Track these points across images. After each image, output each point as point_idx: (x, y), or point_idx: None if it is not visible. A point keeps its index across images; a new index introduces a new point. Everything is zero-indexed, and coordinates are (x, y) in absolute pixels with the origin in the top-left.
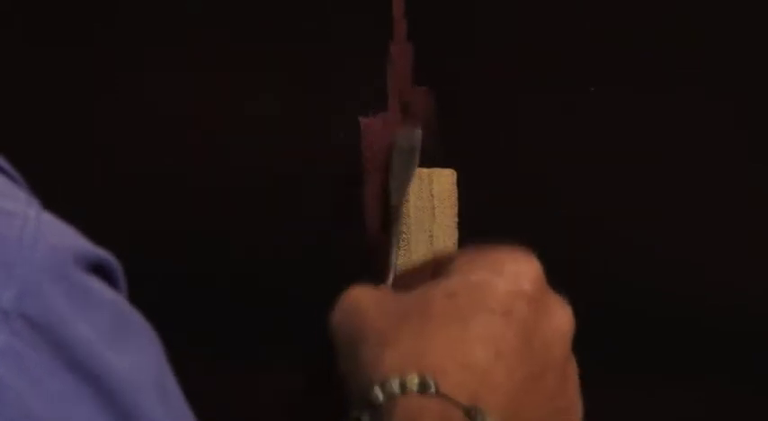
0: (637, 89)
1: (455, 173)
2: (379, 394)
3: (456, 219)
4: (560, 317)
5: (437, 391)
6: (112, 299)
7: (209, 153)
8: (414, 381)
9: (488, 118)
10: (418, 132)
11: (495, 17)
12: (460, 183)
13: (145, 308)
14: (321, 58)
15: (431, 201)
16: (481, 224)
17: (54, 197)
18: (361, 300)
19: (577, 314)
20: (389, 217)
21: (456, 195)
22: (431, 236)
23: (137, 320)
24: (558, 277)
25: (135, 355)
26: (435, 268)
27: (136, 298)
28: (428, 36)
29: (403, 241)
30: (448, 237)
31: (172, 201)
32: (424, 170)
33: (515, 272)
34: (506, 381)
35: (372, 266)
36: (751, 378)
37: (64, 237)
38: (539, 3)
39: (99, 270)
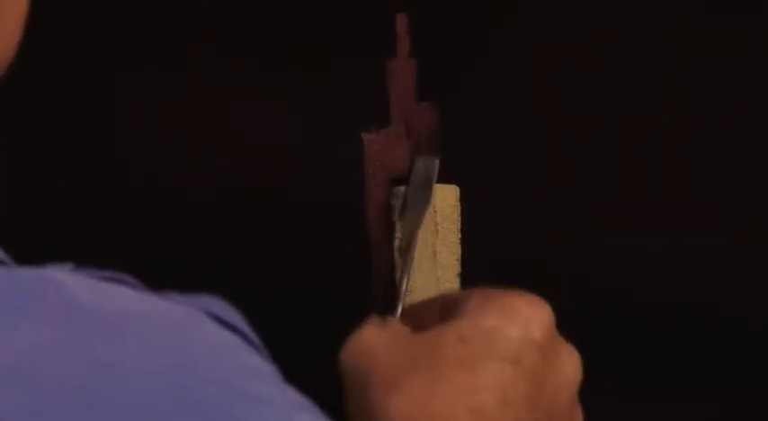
0: (636, 101)
1: (458, 189)
2: None
3: (459, 235)
4: (569, 366)
5: None
6: None
7: (208, 166)
8: None
9: (491, 134)
10: (436, 161)
11: (498, 34)
12: (463, 199)
13: None
14: (324, 73)
15: (434, 217)
16: (484, 240)
17: (54, 197)
18: (370, 340)
19: (578, 315)
20: (392, 230)
21: (459, 211)
22: (434, 252)
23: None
24: (561, 289)
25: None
26: (445, 304)
27: None
28: (430, 52)
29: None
30: (451, 253)
31: (171, 202)
32: None
33: (526, 318)
34: None
35: (376, 279)
36: (751, 378)
37: None
38: (541, 20)
39: None
